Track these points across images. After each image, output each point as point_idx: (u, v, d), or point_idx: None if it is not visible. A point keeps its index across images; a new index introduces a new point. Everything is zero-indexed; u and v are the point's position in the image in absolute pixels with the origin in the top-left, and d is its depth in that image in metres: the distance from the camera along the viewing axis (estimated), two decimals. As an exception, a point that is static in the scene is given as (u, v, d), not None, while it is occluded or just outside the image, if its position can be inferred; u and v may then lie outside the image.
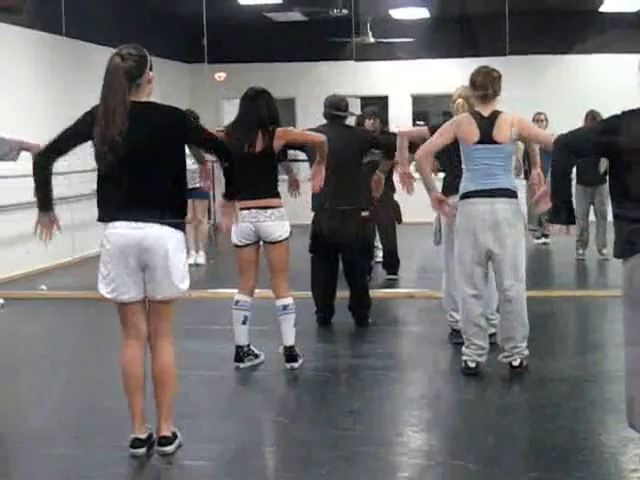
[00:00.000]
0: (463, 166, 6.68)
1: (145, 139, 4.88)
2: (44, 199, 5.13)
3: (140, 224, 4.89)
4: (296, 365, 6.88)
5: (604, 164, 12.25)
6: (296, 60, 17.51)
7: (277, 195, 6.82)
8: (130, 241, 4.89)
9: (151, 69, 5.06)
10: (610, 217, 10.91)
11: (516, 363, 6.62)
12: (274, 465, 5.13)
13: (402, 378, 6.93)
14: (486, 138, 6.52)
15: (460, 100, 7.40)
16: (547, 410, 5.99)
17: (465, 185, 6.64)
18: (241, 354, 6.93)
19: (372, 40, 16.87)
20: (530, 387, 6.47)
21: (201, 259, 12.56)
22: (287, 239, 6.83)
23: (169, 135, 4.94)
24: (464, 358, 6.67)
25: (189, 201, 11.50)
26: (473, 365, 6.64)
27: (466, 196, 6.61)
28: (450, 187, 7.16)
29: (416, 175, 7.38)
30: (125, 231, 4.91)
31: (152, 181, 4.90)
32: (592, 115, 11.35)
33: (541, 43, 16.16)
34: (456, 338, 7.34)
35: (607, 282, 11.00)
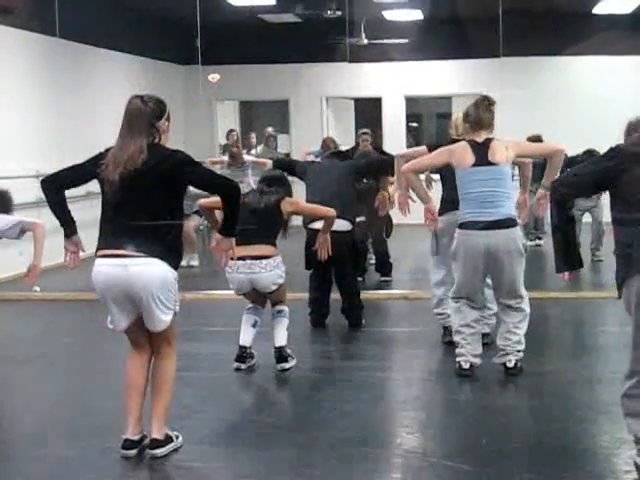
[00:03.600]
0: (459, 193, 6.60)
1: (138, 178, 4.88)
2: (63, 224, 5.21)
3: (125, 260, 4.90)
4: (286, 366, 6.89)
5: None
6: (290, 61, 17.51)
7: (273, 244, 6.89)
8: (115, 276, 4.95)
9: (168, 119, 5.10)
10: (605, 220, 10.92)
11: (510, 364, 6.63)
12: (268, 467, 5.12)
13: (396, 379, 6.94)
14: (482, 160, 6.47)
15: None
16: (541, 411, 6.00)
17: (463, 214, 6.58)
18: (245, 355, 6.94)
19: (366, 42, 16.88)
20: (524, 388, 6.48)
21: (195, 261, 12.55)
22: (282, 284, 6.93)
23: (163, 177, 4.92)
24: (458, 359, 6.68)
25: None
26: (467, 366, 6.65)
27: (464, 226, 6.55)
28: (447, 205, 7.17)
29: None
30: (108, 268, 4.96)
31: (144, 219, 4.90)
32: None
33: (534, 45, 16.18)
34: (448, 337, 7.35)
35: (600, 283, 11.03)
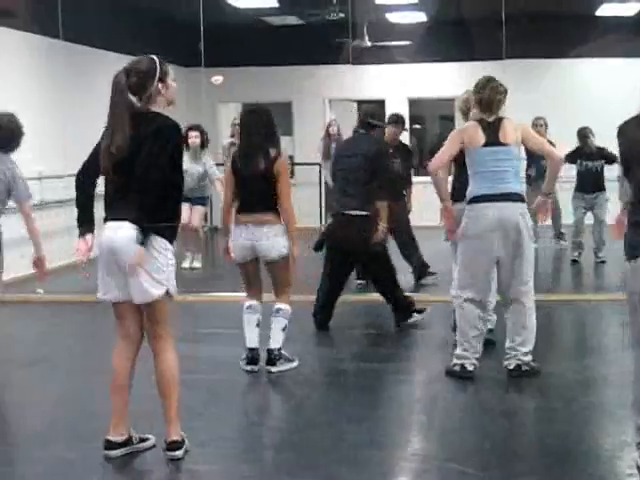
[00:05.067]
0: (469, 171, 6.61)
1: (130, 146, 4.89)
2: (80, 218, 5.15)
3: (115, 223, 4.91)
4: (273, 369, 6.84)
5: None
6: (293, 64, 17.51)
7: (275, 211, 6.85)
8: (106, 241, 4.94)
9: (162, 79, 5.08)
10: (607, 221, 10.93)
11: (511, 367, 6.62)
12: (273, 469, 5.12)
13: (400, 382, 6.92)
14: (493, 140, 6.49)
15: (474, 111, 7.51)
16: (544, 414, 5.99)
17: (472, 190, 6.57)
18: (256, 357, 6.92)
19: (369, 44, 16.88)
20: (527, 391, 6.47)
21: (197, 263, 12.55)
22: (286, 256, 6.86)
23: (153, 145, 4.90)
24: (462, 362, 6.65)
25: (187, 205, 11.58)
26: (471, 368, 6.64)
27: (474, 201, 6.54)
28: (458, 193, 7.16)
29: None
30: (105, 231, 4.97)
31: (137, 186, 4.87)
32: None
33: (538, 47, 16.17)
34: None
35: (603, 285, 11.03)
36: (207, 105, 16.90)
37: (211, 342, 8.04)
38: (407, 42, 17.16)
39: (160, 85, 5.08)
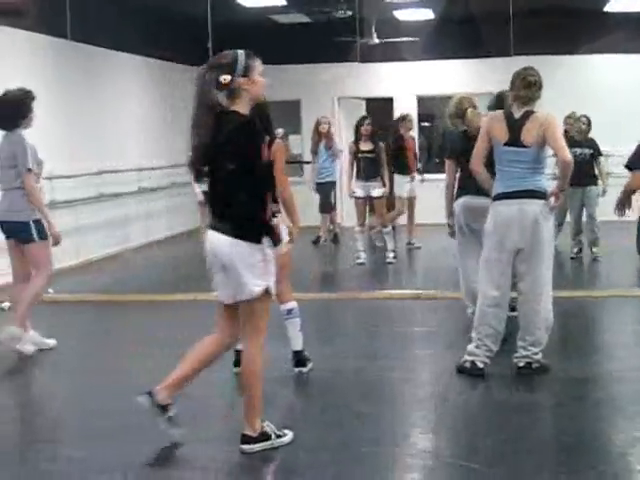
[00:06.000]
0: (496, 166, 6.66)
1: (215, 148, 4.93)
2: None
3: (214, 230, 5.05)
4: (304, 370, 6.86)
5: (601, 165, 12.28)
6: (301, 62, 17.50)
7: (274, 201, 6.77)
8: (210, 243, 5.07)
9: (245, 74, 5.04)
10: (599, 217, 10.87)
11: (521, 364, 6.61)
12: (279, 467, 5.12)
13: (408, 379, 6.91)
14: (514, 140, 6.49)
15: (471, 109, 7.56)
16: (554, 410, 5.99)
17: (495, 187, 6.64)
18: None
19: (377, 41, 16.86)
20: (536, 387, 6.46)
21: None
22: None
23: (234, 144, 4.92)
24: (472, 358, 6.64)
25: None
26: (482, 366, 6.62)
27: (496, 198, 6.62)
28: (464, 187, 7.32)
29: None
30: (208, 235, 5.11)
31: (223, 191, 4.96)
32: None
33: (546, 43, 16.12)
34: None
35: (605, 281, 11.01)
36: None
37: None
38: (415, 39, 17.14)
39: (242, 80, 5.02)
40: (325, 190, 14.45)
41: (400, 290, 10.47)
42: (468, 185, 7.59)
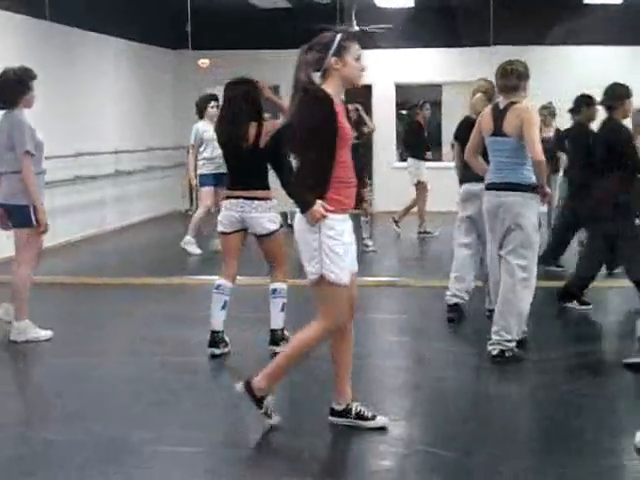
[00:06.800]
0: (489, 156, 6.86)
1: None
2: None
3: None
4: (277, 349, 6.77)
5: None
6: (281, 47, 17.41)
7: (266, 187, 6.82)
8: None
9: (338, 54, 5.04)
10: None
11: (494, 353, 6.64)
12: (255, 452, 5.13)
13: (382, 366, 6.92)
14: (497, 130, 6.63)
15: (479, 94, 7.65)
16: (526, 399, 6.02)
17: (486, 176, 6.85)
18: (217, 339, 6.89)
19: (356, 28, 16.83)
20: (513, 377, 6.48)
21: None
22: (277, 231, 6.84)
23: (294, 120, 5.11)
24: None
25: (210, 189, 11.49)
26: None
27: (485, 187, 6.84)
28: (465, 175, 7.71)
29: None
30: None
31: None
32: None
33: (525, 33, 16.15)
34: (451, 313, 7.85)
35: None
36: (194, 88, 16.85)
37: (199, 325, 8.02)
38: (395, 27, 17.12)
39: (334, 60, 5.02)
40: None
41: (376, 278, 10.47)
42: (468, 170, 7.59)
